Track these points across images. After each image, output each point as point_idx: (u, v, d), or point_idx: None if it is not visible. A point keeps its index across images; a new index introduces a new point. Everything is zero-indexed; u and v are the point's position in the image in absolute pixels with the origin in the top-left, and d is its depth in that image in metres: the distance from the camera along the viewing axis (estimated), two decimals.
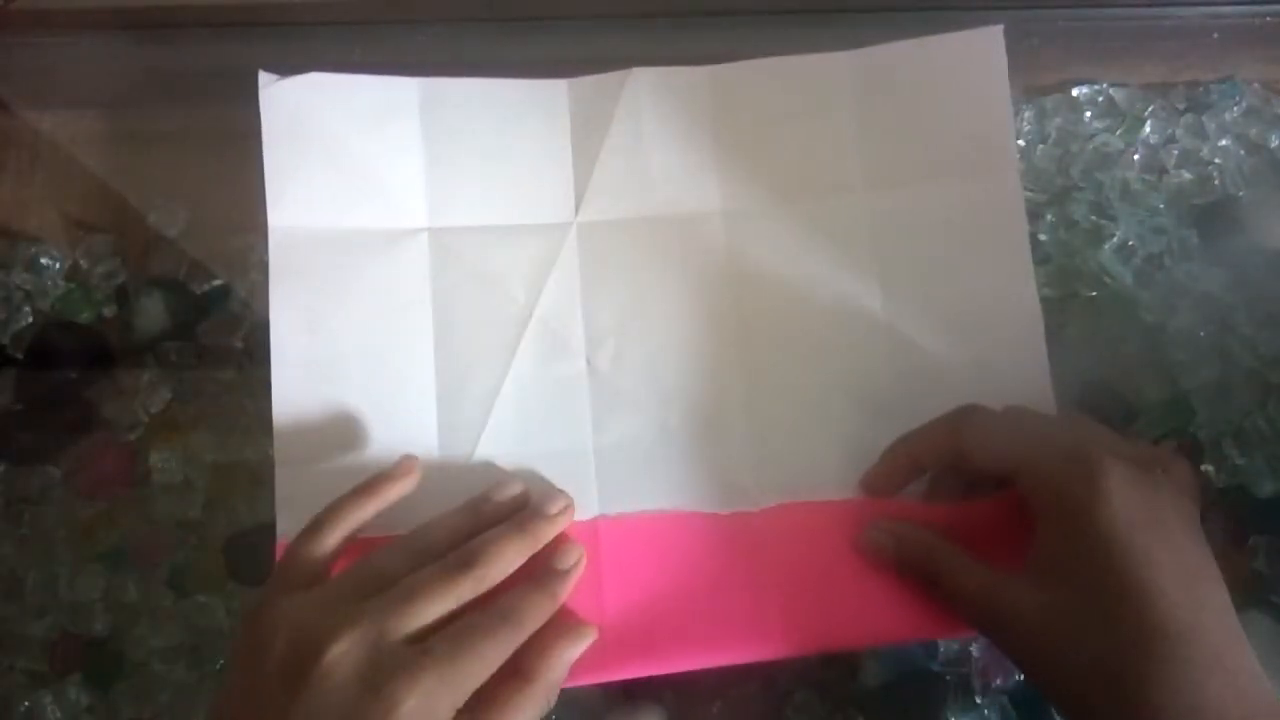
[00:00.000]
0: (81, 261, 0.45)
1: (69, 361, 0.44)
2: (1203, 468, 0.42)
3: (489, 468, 0.39)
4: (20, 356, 0.44)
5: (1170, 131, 0.46)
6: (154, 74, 0.48)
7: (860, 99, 0.42)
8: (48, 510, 0.42)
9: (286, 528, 0.37)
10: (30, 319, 0.45)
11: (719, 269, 0.41)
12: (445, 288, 0.41)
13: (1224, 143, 0.46)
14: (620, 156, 0.42)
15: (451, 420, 0.40)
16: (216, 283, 0.45)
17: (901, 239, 0.41)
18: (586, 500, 0.39)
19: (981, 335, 0.40)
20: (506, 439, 0.40)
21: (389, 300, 0.40)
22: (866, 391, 0.40)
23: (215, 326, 0.44)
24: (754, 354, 0.41)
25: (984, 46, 0.42)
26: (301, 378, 0.39)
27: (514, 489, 0.37)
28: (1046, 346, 0.40)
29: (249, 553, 0.41)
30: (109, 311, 0.45)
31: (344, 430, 0.39)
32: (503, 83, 0.42)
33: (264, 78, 0.41)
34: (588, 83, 0.43)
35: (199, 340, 0.44)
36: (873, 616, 0.37)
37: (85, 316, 0.45)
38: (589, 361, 0.40)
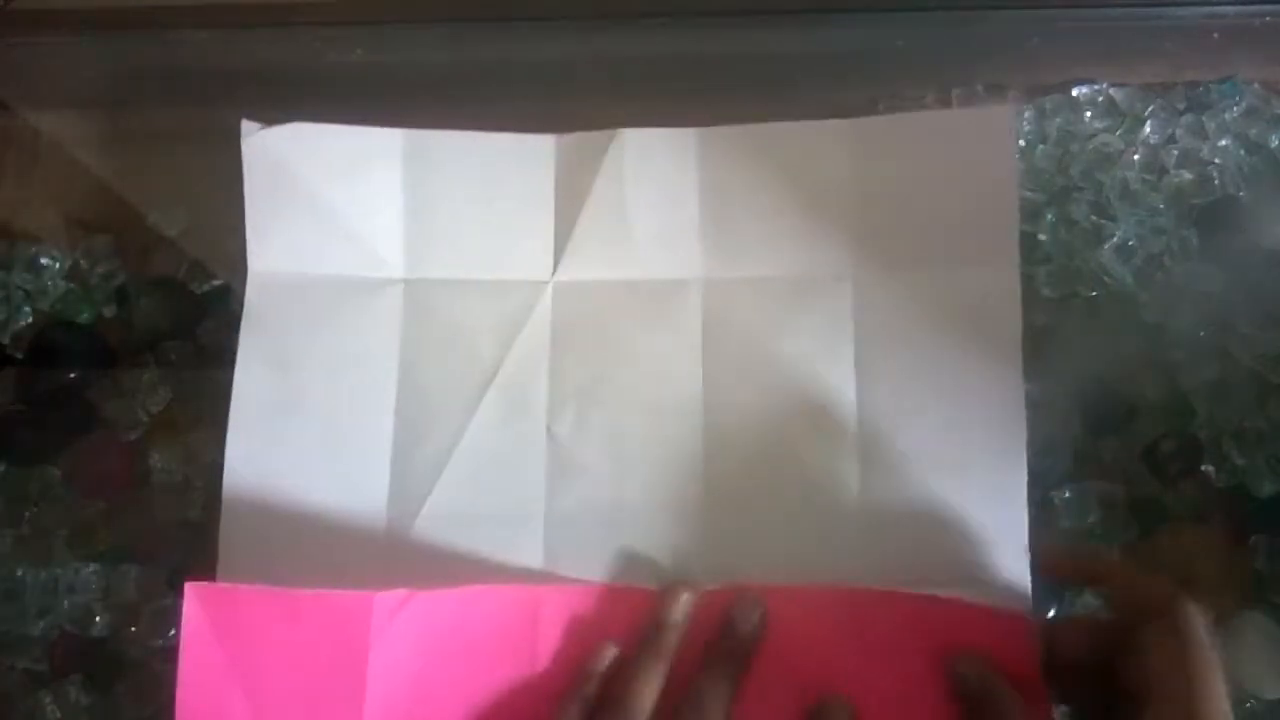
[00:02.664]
0: (81, 261, 0.45)
1: (69, 361, 0.44)
2: (1203, 468, 0.42)
3: (432, 526, 0.38)
4: (20, 356, 0.44)
5: (1170, 131, 0.46)
6: (154, 74, 0.48)
7: (856, 173, 0.40)
8: (48, 510, 0.42)
9: (227, 572, 0.37)
10: (30, 319, 0.45)
11: (692, 340, 0.40)
12: (414, 340, 0.40)
13: (1224, 143, 0.46)
14: (602, 216, 0.41)
15: (403, 474, 0.39)
16: (216, 283, 0.45)
17: (886, 327, 0.39)
18: (532, 567, 0.38)
19: (959, 435, 0.38)
20: (456, 497, 0.39)
21: (356, 349, 0.40)
22: (830, 483, 0.38)
23: (215, 326, 0.44)
24: (718, 432, 0.39)
25: (991, 126, 0.40)
26: (259, 420, 0.39)
27: (682, 605, 0.36)
28: (1026, 428, 0.38)
29: None
30: (109, 311, 0.45)
31: (295, 476, 0.38)
32: (489, 136, 0.41)
33: (246, 126, 0.40)
34: (574, 140, 0.41)
35: (199, 340, 0.44)
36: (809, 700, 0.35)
37: (85, 316, 0.45)
38: (549, 426, 0.39)
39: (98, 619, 0.41)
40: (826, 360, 0.39)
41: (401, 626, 0.35)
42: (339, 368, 0.40)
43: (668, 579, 0.37)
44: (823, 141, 0.40)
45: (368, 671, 0.34)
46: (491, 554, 0.38)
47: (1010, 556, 0.37)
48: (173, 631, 0.41)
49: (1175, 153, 0.46)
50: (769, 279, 0.40)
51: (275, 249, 0.40)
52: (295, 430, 0.39)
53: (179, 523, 0.42)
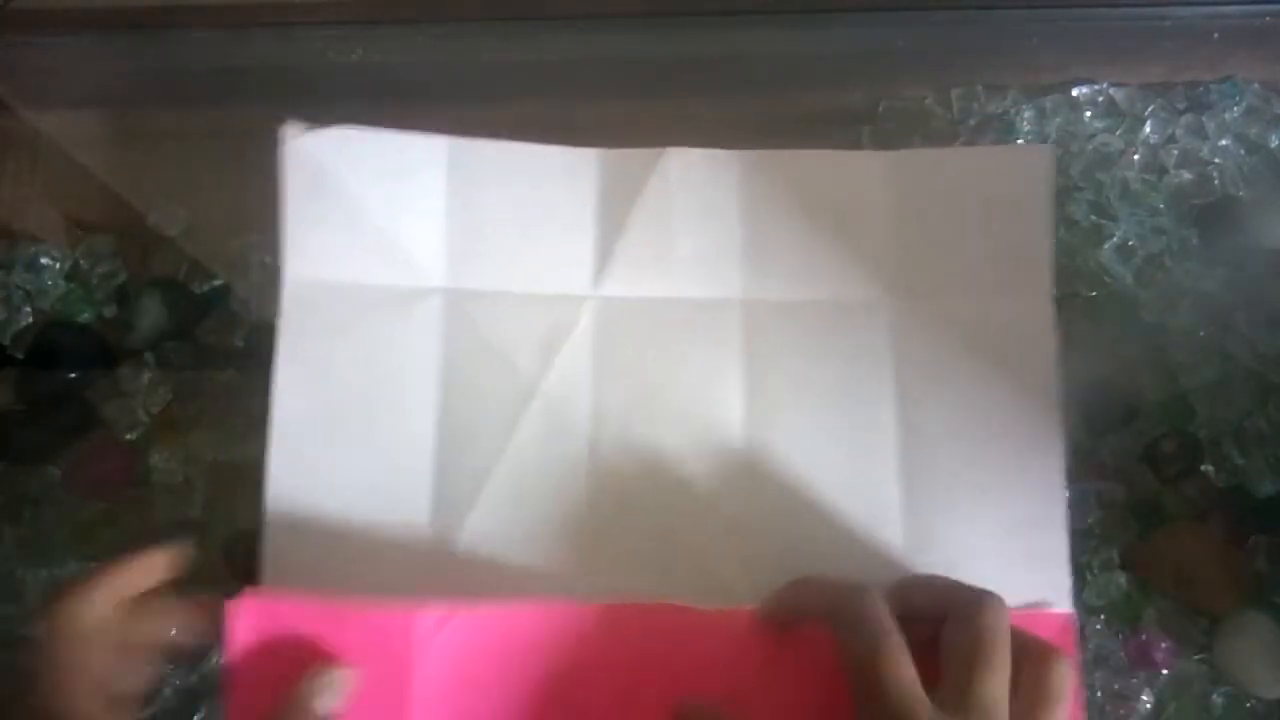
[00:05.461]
0: (81, 261, 0.45)
1: (69, 361, 0.44)
2: (1203, 468, 0.42)
3: (475, 541, 0.38)
4: (20, 356, 0.44)
5: (1170, 131, 0.46)
6: (154, 74, 0.48)
7: (896, 202, 0.41)
8: (48, 510, 0.42)
9: (272, 584, 0.37)
10: (30, 319, 0.45)
11: (732, 358, 0.40)
12: (454, 352, 0.40)
13: (1224, 143, 0.46)
14: (645, 233, 0.41)
15: (445, 490, 0.39)
16: (216, 283, 0.45)
17: (923, 350, 0.40)
18: (576, 585, 0.38)
19: (997, 458, 0.39)
20: (498, 515, 0.38)
21: (397, 360, 0.39)
22: (872, 503, 0.39)
23: (215, 326, 0.44)
24: (759, 450, 0.39)
25: (1032, 163, 0.41)
26: (301, 433, 0.38)
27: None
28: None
29: (249, 553, 0.41)
30: (109, 311, 0.45)
31: (339, 488, 0.38)
32: (533, 148, 0.41)
33: (290, 130, 0.40)
34: (619, 155, 0.41)
35: (199, 340, 0.44)
36: None
37: (85, 316, 0.45)
38: (591, 444, 0.39)
39: None
40: (866, 383, 0.40)
41: (443, 644, 0.35)
42: (380, 378, 0.39)
43: (710, 596, 0.37)
44: (864, 170, 0.41)
45: (411, 690, 0.35)
46: (533, 570, 0.38)
47: (1052, 573, 0.38)
48: (173, 630, 0.41)
49: (1175, 153, 0.46)
50: (809, 302, 0.40)
51: (314, 256, 0.39)
52: (338, 442, 0.38)
53: (179, 523, 0.42)
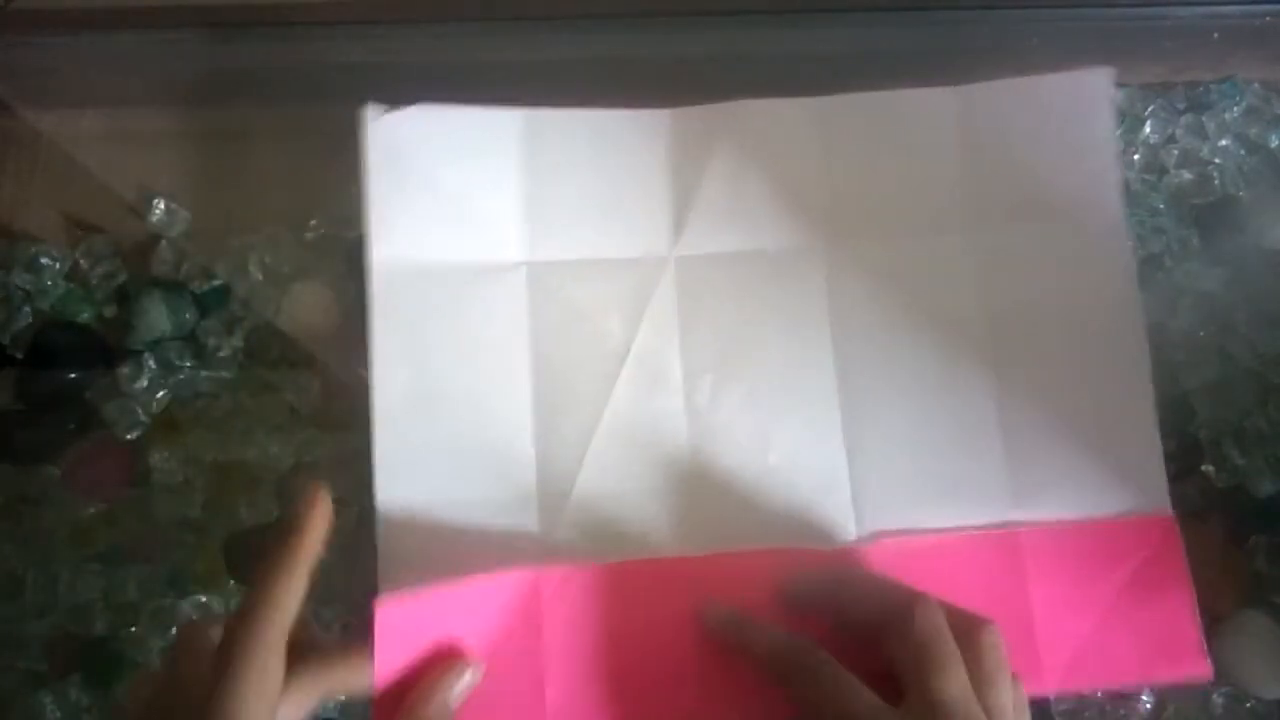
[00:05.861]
0: (81, 261, 0.45)
1: (69, 361, 0.44)
2: (1203, 468, 0.42)
3: (582, 506, 0.39)
4: (20, 356, 0.44)
5: (1170, 131, 0.46)
6: (154, 74, 0.48)
7: (965, 136, 0.41)
8: (48, 510, 0.42)
9: (389, 569, 0.37)
10: (30, 319, 0.45)
11: (818, 306, 0.41)
12: (543, 323, 0.40)
13: (1224, 143, 0.46)
14: (721, 189, 0.41)
15: (549, 457, 0.39)
16: (216, 283, 0.45)
17: (1006, 278, 0.41)
18: (691, 538, 0.38)
19: (1086, 371, 0.40)
20: (604, 476, 0.39)
21: (487, 335, 0.40)
22: (972, 430, 0.40)
23: (215, 326, 0.44)
24: (853, 393, 0.40)
25: (1092, 86, 0.41)
26: (403, 413, 0.38)
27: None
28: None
29: (249, 553, 0.41)
30: (109, 311, 0.45)
31: (445, 469, 0.38)
32: (604, 113, 0.42)
33: (372, 110, 0.40)
34: (690, 113, 0.42)
35: (199, 340, 0.44)
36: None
37: (85, 316, 0.45)
38: (686, 398, 0.40)
39: (98, 619, 0.41)
40: (953, 314, 0.41)
41: (567, 599, 0.37)
42: (473, 354, 0.40)
43: (814, 539, 0.38)
44: (931, 107, 0.42)
45: (543, 643, 0.37)
46: (642, 527, 0.39)
47: (1147, 473, 0.39)
48: (174, 630, 0.41)
49: (1175, 153, 0.46)
50: (889, 241, 0.41)
51: (399, 236, 0.40)
52: (441, 422, 0.39)
53: (179, 523, 0.42)
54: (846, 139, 0.42)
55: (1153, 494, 0.39)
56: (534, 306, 0.40)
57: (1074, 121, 0.41)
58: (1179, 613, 0.38)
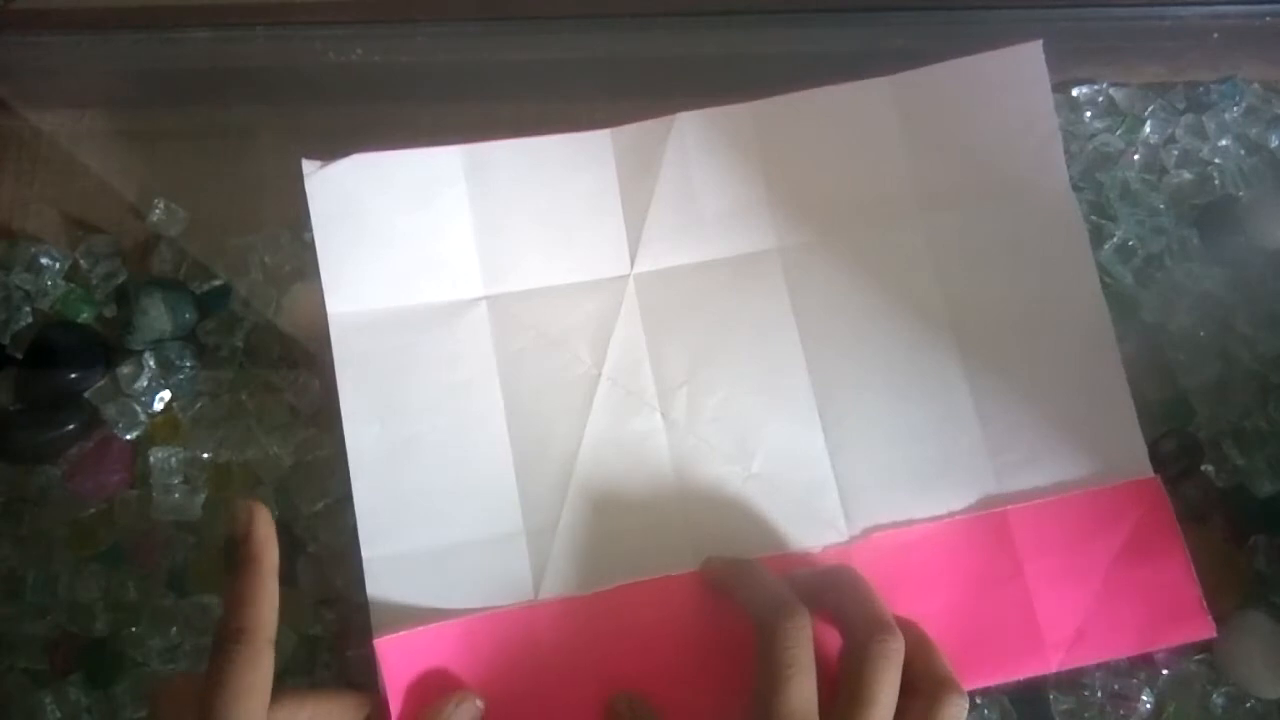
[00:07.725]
0: (81, 261, 0.45)
1: (69, 361, 0.44)
2: (1203, 468, 0.42)
3: (572, 533, 0.39)
4: (20, 356, 0.44)
5: (1170, 131, 0.46)
6: (154, 74, 0.48)
7: (904, 123, 0.42)
8: (48, 510, 0.42)
9: (382, 621, 0.37)
10: (30, 319, 0.45)
11: (782, 307, 0.41)
12: (510, 355, 0.40)
13: (1224, 143, 0.46)
14: (671, 203, 0.41)
15: (532, 489, 0.39)
16: (216, 283, 0.45)
17: (962, 259, 0.41)
18: (680, 554, 0.38)
19: (1051, 343, 0.40)
20: (591, 503, 0.39)
21: (456, 374, 0.40)
22: (949, 415, 0.40)
23: (215, 326, 0.44)
24: (827, 389, 0.40)
25: (1024, 62, 0.42)
26: (379, 466, 0.38)
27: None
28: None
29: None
30: (109, 311, 0.45)
31: (429, 516, 0.38)
32: (544, 140, 0.42)
33: (307, 165, 0.40)
34: (631, 131, 0.42)
35: (199, 340, 0.44)
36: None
37: (85, 316, 0.45)
38: (664, 415, 0.40)
39: (98, 619, 0.41)
40: (914, 299, 0.41)
41: (567, 631, 0.37)
42: (443, 397, 0.39)
43: (806, 542, 0.38)
44: (868, 98, 0.42)
45: (543, 680, 0.37)
46: (637, 545, 0.39)
47: (1124, 437, 0.40)
48: (174, 630, 0.41)
49: (1175, 153, 0.46)
50: (842, 234, 0.41)
51: (353, 287, 0.40)
52: (419, 469, 0.39)
53: (179, 523, 0.42)
54: (787, 139, 0.42)
55: (1132, 458, 0.40)
56: (499, 340, 0.40)
57: (1011, 98, 0.42)
58: (1175, 573, 0.38)
